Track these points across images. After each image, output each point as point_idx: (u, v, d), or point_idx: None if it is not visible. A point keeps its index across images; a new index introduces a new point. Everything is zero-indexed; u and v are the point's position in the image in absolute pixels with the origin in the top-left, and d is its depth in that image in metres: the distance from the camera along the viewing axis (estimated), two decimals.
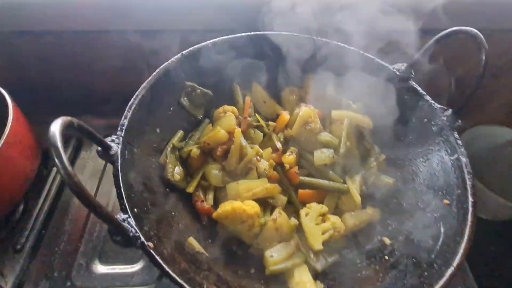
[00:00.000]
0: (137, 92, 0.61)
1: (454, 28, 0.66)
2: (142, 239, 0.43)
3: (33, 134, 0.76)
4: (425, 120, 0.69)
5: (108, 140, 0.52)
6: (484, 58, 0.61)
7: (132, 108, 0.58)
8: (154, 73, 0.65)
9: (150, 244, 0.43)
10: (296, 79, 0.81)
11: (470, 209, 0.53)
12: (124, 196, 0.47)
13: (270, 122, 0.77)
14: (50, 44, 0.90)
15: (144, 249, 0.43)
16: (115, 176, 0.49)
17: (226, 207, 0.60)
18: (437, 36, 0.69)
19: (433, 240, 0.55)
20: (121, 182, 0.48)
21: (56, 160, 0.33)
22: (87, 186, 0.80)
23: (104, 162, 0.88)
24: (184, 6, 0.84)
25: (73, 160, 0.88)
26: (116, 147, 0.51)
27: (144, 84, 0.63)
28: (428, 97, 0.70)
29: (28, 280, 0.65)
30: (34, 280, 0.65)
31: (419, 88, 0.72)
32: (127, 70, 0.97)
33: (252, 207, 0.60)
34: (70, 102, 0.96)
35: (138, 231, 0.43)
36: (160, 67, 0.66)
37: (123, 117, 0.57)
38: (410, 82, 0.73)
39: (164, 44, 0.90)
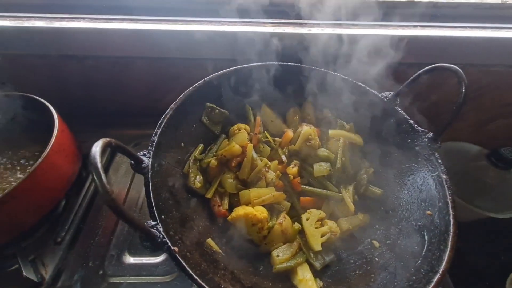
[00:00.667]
0: (166, 113, 0.58)
1: (437, 65, 0.63)
2: (169, 244, 0.40)
3: (75, 142, 0.73)
4: (409, 140, 0.67)
5: (140, 154, 0.49)
6: (463, 90, 0.58)
7: (161, 126, 0.55)
8: (180, 96, 0.62)
9: (176, 249, 0.40)
10: (299, 103, 0.79)
11: (452, 220, 0.50)
12: (153, 205, 0.44)
13: (276, 138, 0.74)
14: (91, 66, 0.88)
15: (170, 254, 0.40)
16: (146, 187, 0.46)
17: (239, 211, 0.57)
18: (421, 70, 0.66)
19: (419, 246, 0.52)
20: (151, 193, 0.45)
21: (96, 180, 0.30)
22: (121, 183, 0.80)
23: None
24: (198, 39, 0.82)
25: (110, 161, 0.85)
26: (147, 161, 0.49)
27: (172, 105, 0.60)
28: (411, 121, 0.67)
29: (66, 269, 0.62)
30: (71, 269, 0.62)
31: (403, 113, 0.69)
32: (155, 90, 0.95)
33: (261, 212, 0.57)
34: (108, 115, 0.94)
35: (165, 237, 0.40)
36: (186, 91, 0.63)
37: (153, 134, 0.54)
38: (396, 108, 0.70)
39: (183, 70, 0.88)
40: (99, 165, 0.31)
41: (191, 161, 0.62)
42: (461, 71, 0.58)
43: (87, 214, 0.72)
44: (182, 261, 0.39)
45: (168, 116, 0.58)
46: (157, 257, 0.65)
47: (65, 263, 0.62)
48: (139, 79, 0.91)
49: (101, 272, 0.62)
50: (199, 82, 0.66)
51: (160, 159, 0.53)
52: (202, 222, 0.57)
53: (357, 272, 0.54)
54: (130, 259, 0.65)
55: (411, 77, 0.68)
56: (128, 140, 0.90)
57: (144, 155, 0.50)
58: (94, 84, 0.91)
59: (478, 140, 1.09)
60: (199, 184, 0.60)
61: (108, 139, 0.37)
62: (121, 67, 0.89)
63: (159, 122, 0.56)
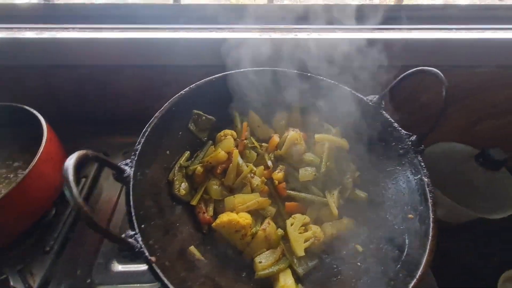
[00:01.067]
0: (150, 121, 0.59)
1: (418, 68, 0.63)
2: (146, 253, 0.41)
3: (63, 151, 0.74)
4: (393, 143, 0.67)
5: (122, 164, 0.50)
6: (444, 93, 0.58)
7: (145, 135, 0.56)
8: (165, 104, 0.63)
9: (153, 258, 0.41)
10: (285, 107, 0.80)
11: (431, 224, 0.51)
12: (133, 214, 0.45)
13: (263, 144, 0.74)
14: (82, 75, 0.89)
15: (147, 263, 0.40)
16: (126, 196, 0.47)
17: (223, 218, 0.57)
18: (404, 74, 0.67)
19: (399, 250, 0.52)
20: (131, 202, 0.46)
21: (67, 194, 0.30)
22: (111, 192, 0.80)
23: None
24: (189, 45, 0.83)
25: (100, 170, 0.85)
26: (129, 170, 0.49)
27: (157, 114, 0.60)
28: (396, 124, 0.68)
29: (54, 278, 0.62)
30: (59, 278, 0.62)
31: (388, 116, 0.70)
32: (145, 97, 0.95)
33: (245, 219, 0.57)
34: (99, 123, 0.94)
35: (143, 246, 0.41)
36: (171, 99, 0.64)
37: (137, 143, 0.54)
38: (381, 111, 0.71)
39: (173, 77, 0.89)
40: (71, 178, 0.32)
41: (176, 168, 0.62)
42: (441, 74, 0.58)
43: (76, 223, 0.73)
44: (157, 270, 0.40)
45: (152, 124, 0.58)
46: (145, 264, 0.65)
47: (53, 272, 0.63)
48: (130, 87, 0.92)
49: (88, 280, 0.62)
50: (185, 90, 0.67)
51: (144, 168, 0.54)
52: (187, 230, 0.57)
53: (339, 277, 0.54)
54: (119, 267, 0.65)
55: (395, 81, 0.68)
56: (119, 147, 0.90)
57: (127, 164, 0.50)
58: (85, 93, 0.92)
59: (468, 140, 1.09)
60: (184, 192, 0.61)
61: (84, 151, 0.38)
62: (112, 75, 0.90)
63: (143, 130, 0.57)
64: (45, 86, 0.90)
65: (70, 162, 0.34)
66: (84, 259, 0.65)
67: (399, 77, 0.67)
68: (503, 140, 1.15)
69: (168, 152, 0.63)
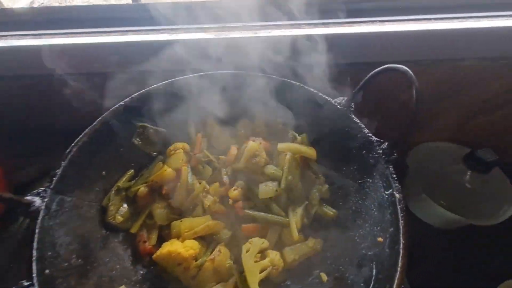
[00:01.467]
0: (77, 139, 0.51)
1: (385, 66, 0.55)
2: None
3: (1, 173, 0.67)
4: (364, 152, 0.59)
5: (33, 194, 0.42)
6: (415, 94, 0.50)
7: (69, 157, 0.48)
8: (99, 118, 0.56)
9: None
10: (248, 114, 0.72)
11: (401, 251, 0.43)
12: (34, 257, 0.37)
13: (221, 157, 0.67)
14: (25, 87, 0.81)
15: None
16: (32, 234, 0.39)
17: (163, 249, 0.50)
18: (372, 72, 0.58)
19: (366, 282, 0.44)
20: (35, 242, 0.38)
21: None
22: None
23: None
24: (139, 50, 0.75)
25: None
26: (39, 202, 0.42)
27: (87, 130, 0.53)
28: (366, 130, 0.60)
29: None
30: None
31: (357, 121, 0.62)
32: (96, 109, 0.88)
33: (187, 250, 0.49)
34: (45, 139, 0.86)
35: None
36: (106, 112, 0.57)
37: (56, 167, 0.47)
38: (350, 115, 0.63)
39: (124, 85, 0.81)
40: None
41: (113, 192, 0.55)
42: (410, 72, 0.50)
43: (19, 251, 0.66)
44: None
45: (80, 143, 0.51)
46: None
47: None
48: (79, 98, 0.84)
49: None
50: (124, 100, 0.60)
51: (63, 196, 0.46)
52: (120, 265, 0.50)
53: None
54: None
55: (363, 80, 0.60)
56: None
57: (39, 194, 0.43)
58: (30, 105, 0.85)
59: (459, 139, 1.01)
60: (121, 218, 0.53)
61: None
62: (58, 85, 0.82)
63: (67, 151, 0.49)
64: None
65: None
66: None
67: (366, 77, 0.58)
68: (498, 137, 1.07)
69: (104, 173, 0.56)
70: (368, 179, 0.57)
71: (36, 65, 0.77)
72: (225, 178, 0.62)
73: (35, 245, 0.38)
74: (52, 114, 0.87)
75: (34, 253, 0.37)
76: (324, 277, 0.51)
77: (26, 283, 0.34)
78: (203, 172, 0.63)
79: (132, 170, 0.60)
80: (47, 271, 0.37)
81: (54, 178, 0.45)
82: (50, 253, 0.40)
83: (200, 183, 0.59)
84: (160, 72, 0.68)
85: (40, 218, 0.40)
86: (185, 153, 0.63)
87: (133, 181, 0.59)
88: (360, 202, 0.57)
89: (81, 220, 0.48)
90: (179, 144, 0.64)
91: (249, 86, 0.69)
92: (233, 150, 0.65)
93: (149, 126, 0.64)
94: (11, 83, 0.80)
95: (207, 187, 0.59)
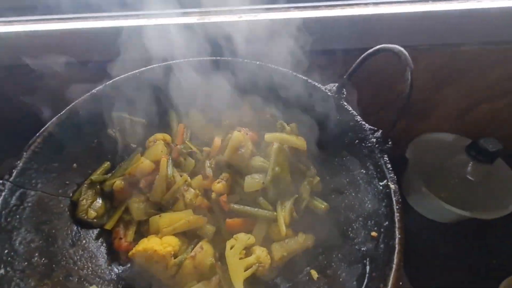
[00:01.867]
0: (41, 130, 0.47)
1: (379, 47, 0.51)
2: None
3: None
4: (357, 141, 0.55)
5: None
6: (409, 77, 0.46)
7: (31, 147, 0.44)
8: (68, 107, 0.51)
9: None
10: (233, 103, 0.67)
11: (397, 247, 0.39)
12: None
13: (205, 148, 0.63)
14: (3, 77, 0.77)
15: None
16: None
17: (139, 246, 0.46)
18: (364, 55, 0.54)
19: (358, 282, 0.41)
20: None
21: None
22: None
23: None
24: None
25: None
26: None
27: (54, 119, 0.49)
28: (358, 117, 0.55)
29: None
30: None
31: (350, 108, 0.57)
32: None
33: (165, 247, 0.45)
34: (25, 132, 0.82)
35: None
36: (77, 101, 0.52)
37: (17, 158, 0.43)
38: (341, 102, 0.58)
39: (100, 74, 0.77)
40: None
41: (86, 185, 0.51)
42: (405, 53, 0.46)
43: None
44: None
45: (45, 133, 0.47)
46: None
47: None
48: (59, 88, 0.80)
49: None
50: (97, 88, 0.55)
51: (25, 189, 0.42)
52: (93, 263, 0.46)
53: None
54: None
55: (354, 64, 0.56)
56: None
57: None
58: (8, 97, 0.81)
59: (461, 129, 0.97)
60: (93, 214, 0.49)
61: None
62: (36, 75, 0.78)
63: (29, 143, 0.45)
64: None
65: None
66: None
67: (358, 60, 0.54)
68: (502, 126, 1.03)
69: (75, 165, 0.51)
70: (362, 170, 0.52)
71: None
72: (209, 171, 0.58)
73: None
74: (28, 107, 0.83)
75: None
76: (315, 274, 0.47)
77: None
78: (185, 164, 0.59)
79: (108, 163, 0.56)
80: (1, 271, 0.34)
81: (14, 170, 0.41)
82: (6, 251, 0.36)
83: (181, 176, 0.55)
84: (137, 61, 0.63)
85: None
86: (165, 144, 0.59)
87: (109, 174, 0.55)
88: (353, 194, 0.53)
89: (47, 215, 0.44)
90: (159, 135, 0.60)
91: (235, 73, 0.65)
92: (217, 141, 0.61)
93: (126, 116, 0.60)
94: None
95: (189, 180, 0.55)
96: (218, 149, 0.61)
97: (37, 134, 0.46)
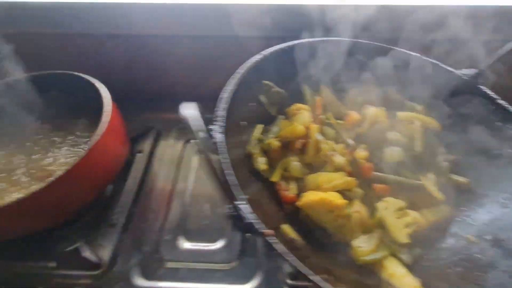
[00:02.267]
0: (225, 87, 0.53)
1: None
2: (259, 226, 0.35)
3: (123, 123, 0.70)
4: (499, 123, 0.58)
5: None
6: None
7: (223, 100, 0.50)
8: (239, 70, 0.57)
9: (268, 231, 0.35)
10: (360, 83, 0.72)
11: None
12: (236, 181, 0.39)
13: (339, 121, 0.68)
14: (134, 45, 0.85)
15: (262, 237, 0.35)
16: (224, 163, 0.41)
17: (311, 196, 0.51)
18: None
19: None
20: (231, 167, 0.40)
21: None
22: (167, 172, 0.76)
23: (180, 150, 0.82)
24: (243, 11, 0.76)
25: (153, 149, 0.81)
26: (220, 136, 0.44)
27: (231, 79, 0.55)
28: (501, 101, 0.59)
29: (122, 253, 0.59)
30: (127, 252, 0.59)
31: (489, 92, 0.61)
32: (197, 71, 0.91)
33: (338, 198, 0.51)
34: (149, 98, 0.90)
35: (252, 217, 0.35)
36: (244, 64, 0.58)
37: (217, 108, 0.49)
38: (479, 86, 0.62)
39: (226, 50, 0.82)
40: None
41: (254, 141, 0.57)
42: None
43: (138, 198, 0.69)
44: (280, 246, 0.34)
45: (228, 90, 0.53)
46: (214, 243, 0.61)
47: (120, 247, 0.59)
48: (182, 60, 0.87)
49: (157, 256, 0.58)
50: (256, 57, 0.61)
51: (225, 136, 0.48)
52: (271, 208, 0.52)
53: (456, 269, 0.47)
54: (186, 244, 0.61)
55: (501, 51, 0.59)
56: (170, 124, 0.86)
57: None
58: (137, 65, 0.88)
59: None
60: (264, 166, 0.55)
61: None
62: (165, 46, 0.85)
63: (220, 96, 0.51)
64: (95, 57, 0.87)
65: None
66: (150, 234, 0.61)
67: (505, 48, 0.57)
68: None
69: (241, 123, 0.58)
70: (509, 150, 0.56)
71: (146, 26, 0.81)
72: (350, 141, 0.63)
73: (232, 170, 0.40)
74: (153, 75, 0.91)
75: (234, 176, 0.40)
76: (472, 238, 0.50)
77: (237, 202, 0.36)
78: (327, 134, 0.64)
79: (263, 125, 0.62)
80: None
81: (224, 116, 0.47)
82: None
83: (327, 143, 0.61)
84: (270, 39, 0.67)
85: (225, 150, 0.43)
86: (309, 113, 0.64)
87: (264, 135, 0.61)
88: (495, 174, 0.56)
89: (236, 162, 0.49)
90: (301, 105, 0.65)
91: (365, 55, 0.70)
92: (354, 115, 0.66)
93: (272, 85, 0.65)
94: (121, 42, 0.84)
95: (335, 146, 0.60)
96: (354, 123, 0.66)
97: (223, 90, 0.52)
